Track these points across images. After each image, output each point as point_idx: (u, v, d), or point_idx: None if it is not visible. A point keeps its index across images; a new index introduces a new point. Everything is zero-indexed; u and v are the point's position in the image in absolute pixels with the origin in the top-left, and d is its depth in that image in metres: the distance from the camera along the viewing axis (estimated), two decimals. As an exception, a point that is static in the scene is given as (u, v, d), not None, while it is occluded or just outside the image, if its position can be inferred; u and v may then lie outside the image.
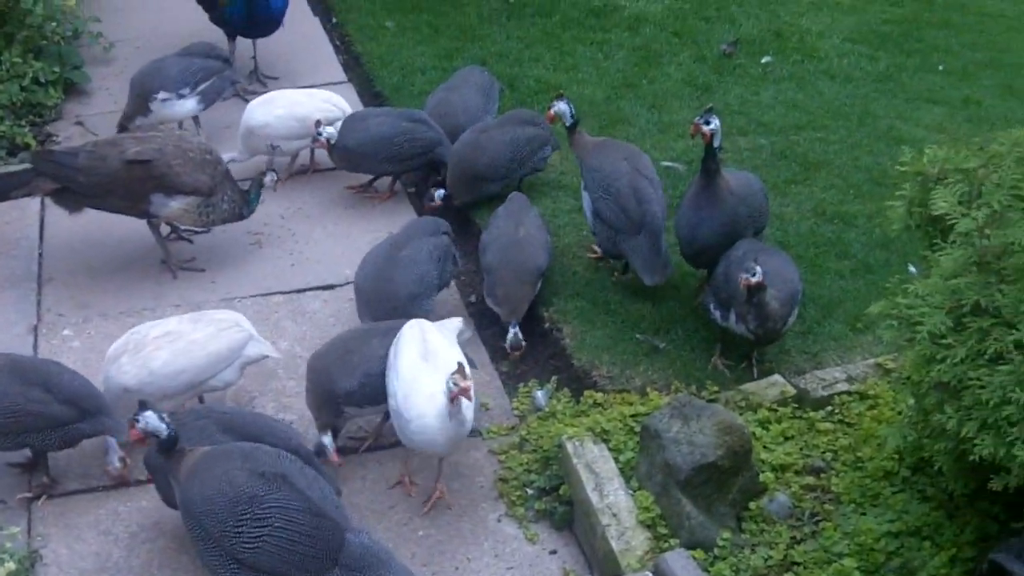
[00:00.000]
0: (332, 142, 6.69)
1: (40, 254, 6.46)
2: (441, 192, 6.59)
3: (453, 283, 6.20)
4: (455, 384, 4.49)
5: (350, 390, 4.91)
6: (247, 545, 4.06)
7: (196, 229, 6.47)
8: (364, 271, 5.65)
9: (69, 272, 6.33)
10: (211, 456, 4.24)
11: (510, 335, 5.62)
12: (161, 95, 7.03)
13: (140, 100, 7.07)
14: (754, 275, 5.03)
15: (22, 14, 7.49)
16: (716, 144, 5.57)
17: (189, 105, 7.12)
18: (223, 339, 5.11)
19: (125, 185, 5.97)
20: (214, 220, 6.20)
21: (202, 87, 7.13)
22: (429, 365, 4.68)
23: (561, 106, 6.06)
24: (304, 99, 7.08)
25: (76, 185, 6.00)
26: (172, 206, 6.05)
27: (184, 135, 6.38)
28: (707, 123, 5.51)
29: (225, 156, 6.59)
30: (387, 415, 5.06)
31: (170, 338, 5.04)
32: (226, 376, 5.16)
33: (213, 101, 7.27)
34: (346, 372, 4.92)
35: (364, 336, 5.10)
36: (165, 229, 6.46)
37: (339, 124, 6.77)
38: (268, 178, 6.36)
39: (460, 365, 4.54)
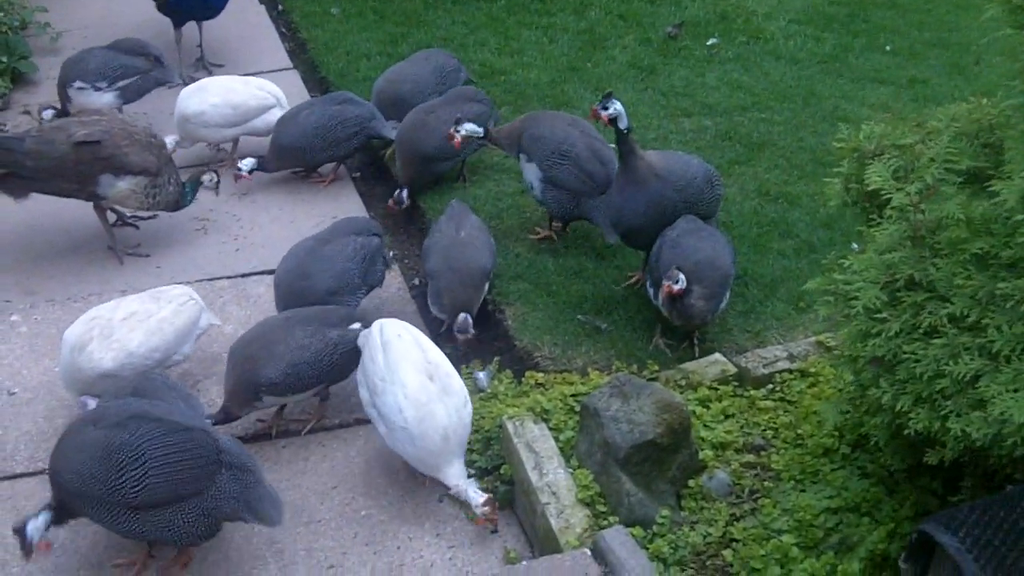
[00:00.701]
0: (252, 170, 6.77)
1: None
2: (250, 162, 6.67)
3: (396, 267, 6.18)
4: (483, 515, 4.55)
5: (274, 379, 4.89)
6: (136, 488, 4.10)
7: (141, 215, 6.43)
8: (285, 265, 5.58)
9: (15, 259, 6.29)
10: (66, 436, 4.32)
11: (460, 318, 5.51)
12: (77, 84, 7.07)
13: (60, 87, 7.14)
14: (676, 282, 5.12)
15: (-30, 6, 7.45)
16: (623, 126, 5.54)
17: (106, 98, 7.10)
18: (185, 313, 5.21)
19: (74, 167, 5.96)
20: (159, 202, 6.18)
21: (121, 83, 7.13)
22: (438, 386, 4.63)
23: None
24: (239, 86, 7.07)
25: (23, 170, 5.97)
26: (120, 186, 6.04)
27: (127, 119, 6.33)
28: (604, 108, 5.51)
29: (168, 139, 6.56)
30: (325, 397, 5.12)
31: (138, 318, 5.08)
32: (185, 349, 5.23)
33: (134, 98, 7.27)
34: (271, 361, 4.89)
35: (287, 324, 5.05)
36: (111, 217, 6.41)
37: (253, 160, 6.81)
38: (207, 177, 6.36)
39: (490, 499, 4.56)
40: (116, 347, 4.97)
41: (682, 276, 5.11)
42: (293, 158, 6.87)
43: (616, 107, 5.50)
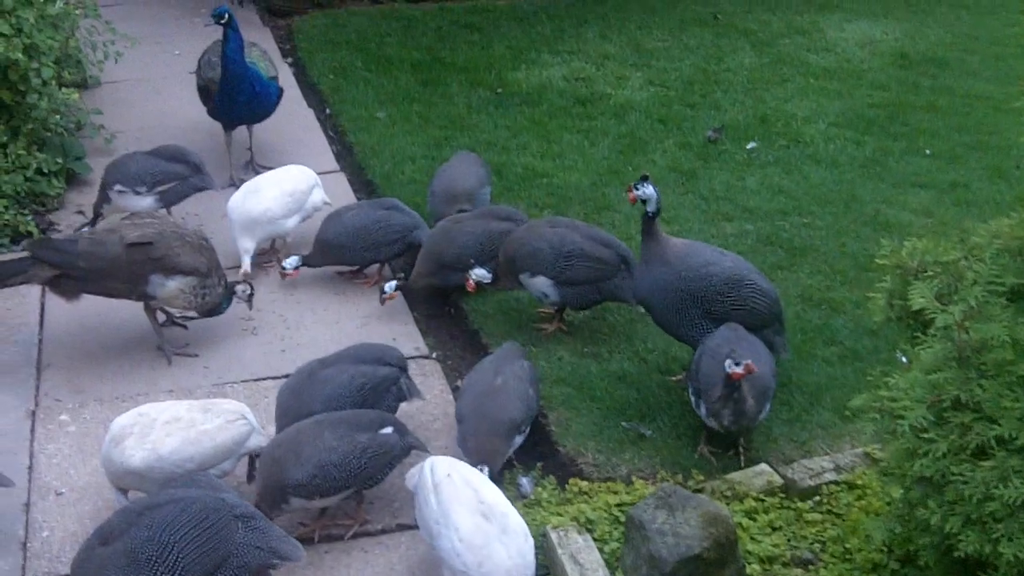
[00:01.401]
0: (298, 267, 6.94)
1: (40, 340, 6.48)
2: (392, 284, 6.68)
3: (439, 370, 6.23)
4: None
5: (301, 481, 4.91)
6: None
7: (189, 315, 6.52)
8: (287, 381, 5.59)
9: (67, 358, 6.35)
10: (79, 563, 4.34)
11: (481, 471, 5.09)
12: (118, 187, 7.21)
13: (102, 190, 7.31)
14: (739, 365, 5.08)
15: (28, 108, 7.62)
16: (650, 210, 5.70)
17: (145, 202, 7.23)
18: (231, 431, 5.18)
19: (126, 267, 6.08)
20: (208, 303, 6.28)
21: (160, 188, 7.25)
22: (495, 527, 4.53)
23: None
24: (283, 176, 7.27)
25: (76, 271, 6.10)
26: (170, 286, 6.14)
27: (175, 221, 6.47)
28: (636, 188, 5.69)
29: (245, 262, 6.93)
30: (360, 500, 5.17)
31: (180, 425, 5.09)
32: (226, 466, 5.21)
33: (174, 202, 7.40)
34: (298, 463, 4.92)
35: (317, 427, 5.08)
36: (161, 317, 6.51)
37: (297, 258, 6.99)
38: (241, 288, 6.48)
39: None
40: (148, 448, 5.00)
41: (743, 361, 5.09)
42: (334, 256, 6.98)
43: (647, 190, 5.68)
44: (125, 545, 4.22)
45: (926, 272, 4.07)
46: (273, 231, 7.11)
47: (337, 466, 4.94)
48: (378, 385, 5.50)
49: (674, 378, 6.00)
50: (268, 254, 7.29)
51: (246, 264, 6.96)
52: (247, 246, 7.01)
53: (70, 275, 6.13)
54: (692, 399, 5.46)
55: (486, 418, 5.34)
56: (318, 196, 7.25)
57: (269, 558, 4.43)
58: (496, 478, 5.04)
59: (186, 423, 5.11)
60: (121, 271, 6.09)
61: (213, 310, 6.38)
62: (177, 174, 7.33)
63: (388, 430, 5.14)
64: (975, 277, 3.83)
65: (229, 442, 5.16)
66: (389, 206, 7.04)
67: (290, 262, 6.93)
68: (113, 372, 6.27)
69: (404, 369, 5.70)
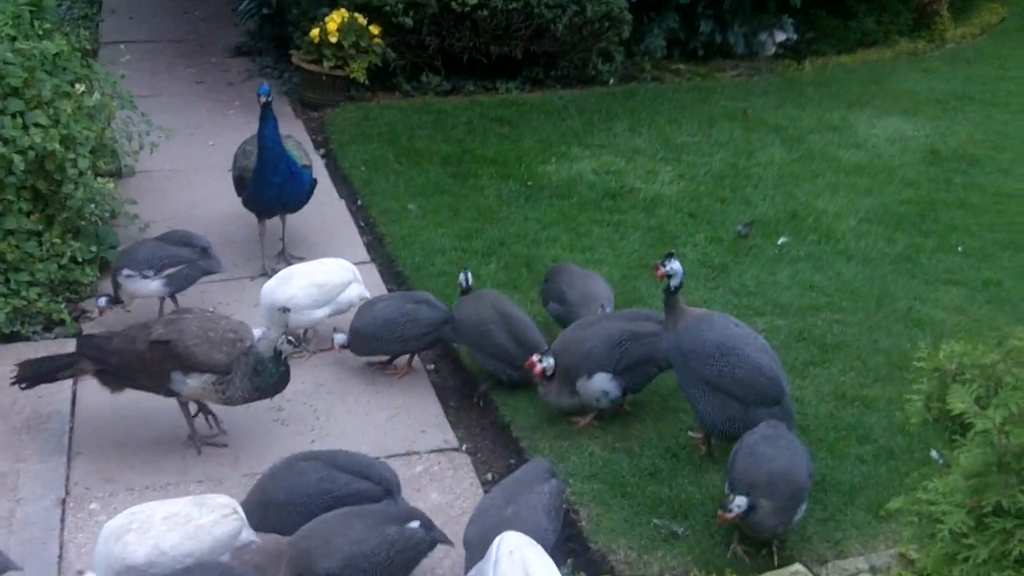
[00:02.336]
0: (344, 345, 7.02)
1: (71, 428, 6.49)
2: (342, 337, 6.95)
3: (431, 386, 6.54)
4: None
5: (331, 570, 4.89)
6: None
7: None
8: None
9: (97, 446, 6.35)
10: None
11: None
12: (125, 272, 7.35)
13: (112, 275, 7.47)
14: (730, 512, 5.18)
15: (64, 197, 7.71)
16: (673, 284, 5.86)
17: (153, 286, 7.37)
18: (227, 525, 5.18)
19: (148, 365, 6.16)
20: (231, 398, 6.26)
21: (167, 272, 7.37)
22: None
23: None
24: (317, 267, 7.33)
25: (110, 366, 6.23)
26: (190, 384, 6.16)
27: (213, 316, 6.49)
28: (664, 264, 5.86)
29: (256, 331, 6.71)
30: None
31: (178, 520, 5.10)
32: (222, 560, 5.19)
33: (183, 286, 7.51)
34: (329, 553, 4.91)
35: (346, 519, 5.08)
36: (193, 408, 6.52)
37: (349, 330, 7.06)
38: (280, 342, 6.28)
39: None
40: (150, 543, 5.00)
41: (740, 501, 5.16)
42: (364, 345, 7.02)
43: (674, 266, 5.86)
44: None
45: (964, 375, 4.05)
46: (300, 321, 7.13)
47: (367, 557, 4.94)
48: (346, 498, 5.37)
49: (694, 434, 6.07)
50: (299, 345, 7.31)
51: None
52: (270, 333, 7.02)
53: (107, 370, 6.25)
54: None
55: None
56: (355, 291, 7.27)
57: None
58: None
59: (183, 518, 5.12)
60: (145, 368, 6.17)
61: (256, 393, 6.30)
62: (183, 258, 7.44)
63: (415, 524, 5.13)
64: (1014, 381, 3.81)
65: (225, 536, 5.16)
66: (420, 300, 7.06)
67: (339, 338, 7.01)
68: (143, 461, 6.27)
69: (391, 492, 5.52)
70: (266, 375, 6.27)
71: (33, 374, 6.36)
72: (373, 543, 4.96)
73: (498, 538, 4.75)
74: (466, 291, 7.02)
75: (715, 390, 5.78)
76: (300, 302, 7.08)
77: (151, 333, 6.17)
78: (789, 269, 8.23)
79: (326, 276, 7.22)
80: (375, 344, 7.00)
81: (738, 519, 5.20)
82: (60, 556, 5.51)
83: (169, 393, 6.27)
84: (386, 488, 5.52)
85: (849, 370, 6.90)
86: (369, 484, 5.49)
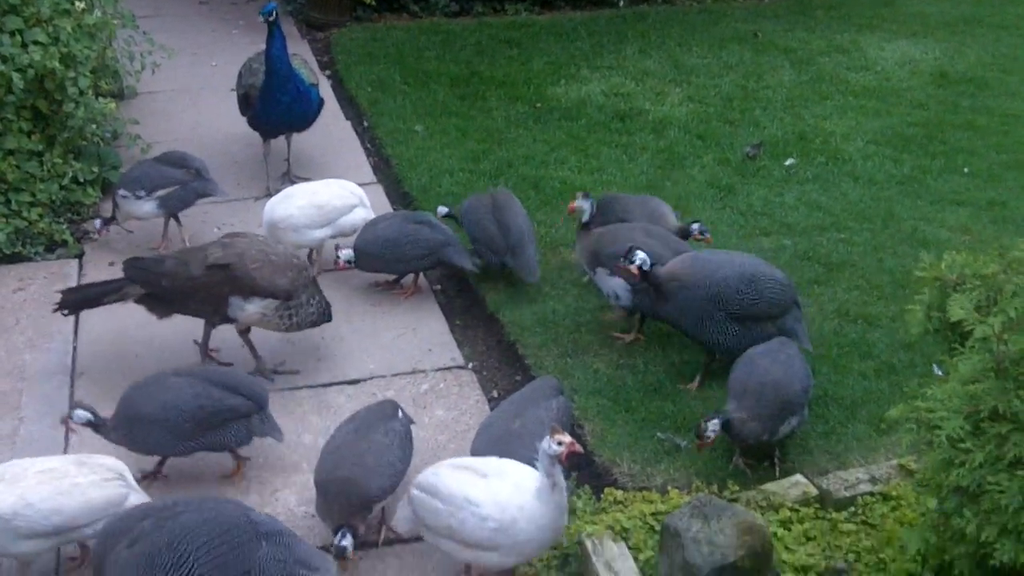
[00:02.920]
0: (350, 261, 7.01)
1: (74, 348, 6.53)
2: (348, 252, 7.00)
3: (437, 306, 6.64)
4: (558, 443, 4.40)
5: (384, 486, 4.98)
6: None
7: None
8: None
9: (102, 367, 6.39)
10: (102, 565, 4.36)
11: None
12: (121, 192, 7.37)
13: (111, 194, 7.51)
14: (708, 437, 5.30)
15: (64, 117, 7.70)
16: (646, 268, 5.89)
17: (147, 207, 7.36)
18: (105, 488, 4.89)
19: (206, 289, 6.08)
20: (298, 323, 6.26)
21: (159, 193, 7.34)
22: (498, 478, 4.60)
23: (585, 203, 6.52)
24: (320, 188, 7.30)
25: (160, 290, 6.13)
26: (248, 309, 6.13)
27: (268, 240, 6.48)
28: (631, 262, 5.88)
29: None
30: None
31: (54, 476, 4.84)
32: (87, 532, 4.91)
33: (178, 208, 7.48)
34: (372, 473, 4.96)
35: (360, 434, 5.14)
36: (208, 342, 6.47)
37: (352, 248, 7.07)
38: (343, 255, 6.71)
39: (553, 427, 4.49)
40: (17, 494, 4.74)
41: (714, 424, 5.28)
42: (368, 263, 7.03)
43: (640, 256, 5.86)
44: (145, 549, 4.26)
45: (965, 285, 4.06)
46: (297, 240, 7.08)
47: (400, 459, 5.09)
48: (219, 413, 5.38)
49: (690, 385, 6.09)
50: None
51: None
52: None
53: (156, 294, 6.16)
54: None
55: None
56: (360, 215, 7.23)
57: (296, 570, 4.41)
58: None
59: (59, 474, 4.85)
60: (201, 292, 6.09)
61: (325, 319, 6.37)
62: (176, 179, 7.41)
63: (400, 414, 5.33)
64: (1015, 289, 3.82)
65: (101, 500, 4.85)
66: (422, 220, 7.05)
67: (345, 253, 7.00)
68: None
69: (261, 407, 5.52)
70: (324, 304, 6.35)
71: (77, 300, 6.32)
72: (396, 442, 5.13)
73: (412, 489, 4.79)
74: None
75: (741, 321, 5.83)
76: (297, 221, 7.05)
77: (208, 257, 6.09)
78: (796, 190, 8.23)
79: (327, 198, 7.18)
80: (376, 263, 7.02)
81: (714, 443, 5.30)
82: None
83: (224, 319, 6.22)
84: (258, 403, 5.52)
85: (853, 288, 6.92)
86: (241, 399, 5.45)
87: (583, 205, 6.55)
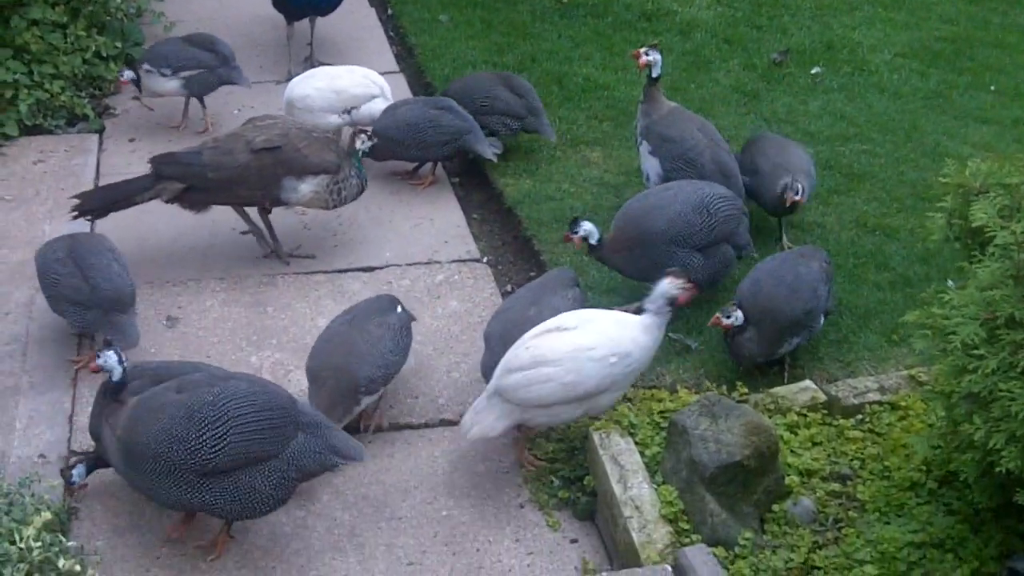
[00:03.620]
0: (366, 152, 6.68)
1: (92, 221, 6.39)
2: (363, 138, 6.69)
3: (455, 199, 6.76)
4: (680, 287, 4.74)
5: (373, 376, 4.99)
6: (216, 448, 4.26)
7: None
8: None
9: (120, 238, 6.15)
10: (146, 399, 4.42)
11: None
12: (145, 66, 7.31)
13: (136, 67, 7.38)
14: (728, 317, 5.30)
15: (89, -11, 7.66)
16: (593, 242, 5.74)
17: (170, 85, 7.32)
18: None
19: (257, 173, 6.04)
20: (345, 197, 6.25)
21: (184, 73, 7.29)
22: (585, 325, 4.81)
23: (656, 56, 6.40)
24: (343, 73, 7.26)
25: (204, 182, 6.05)
26: (303, 189, 6.11)
27: (298, 120, 6.45)
28: (575, 232, 5.72)
29: None
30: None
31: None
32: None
33: (202, 91, 7.43)
34: (363, 361, 4.98)
35: (354, 325, 5.16)
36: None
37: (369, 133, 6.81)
38: (359, 141, 6.28)
39: (672, 271, 4.81)
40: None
41: (739, 315, 5.28)
42: (387, 150, 6.91)
43: (584, 228, 5.68)
44: (190, 399, 4.31)
45: (988, 193, 4.04)
46: (312, 122, 6.93)
47: (392, 351, 5.08)
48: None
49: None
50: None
51: None
52: None
53: (198, 187, 6.08)
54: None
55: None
56: (379, 106, 7.14)
57: (331, 458, 4.48)
58: None
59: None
60: (251, 178, 6.04)
61: (361, 190, 6.33)
62: (202, 62, 7.37)
63: (399, 308, 5.33)
64: (1039, 198, 3.81)
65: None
66: (443, 106, 6.99)
67: (361, 140, 6.68)
68: (166, 257, 6.35)
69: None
70: (362, 174, 6.30)
71: (103, 203, 6.15)
72: (391, 335, 5.16)
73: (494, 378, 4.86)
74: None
75: (702, 249, 5.76)
76: (313, 103, 7.02)
77: (251, 142, 6.03)
78: (821, 99, 8.14)
79: (347, 84, 7.13)
80: (396, 148, 6.93)
81: (729, 328, 5.30)
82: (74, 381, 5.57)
83: (275, 202, 6.19)
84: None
85: (873, 200, 6.87)
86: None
87: (654, 58, 6.39)
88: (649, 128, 6.37)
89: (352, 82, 7.16)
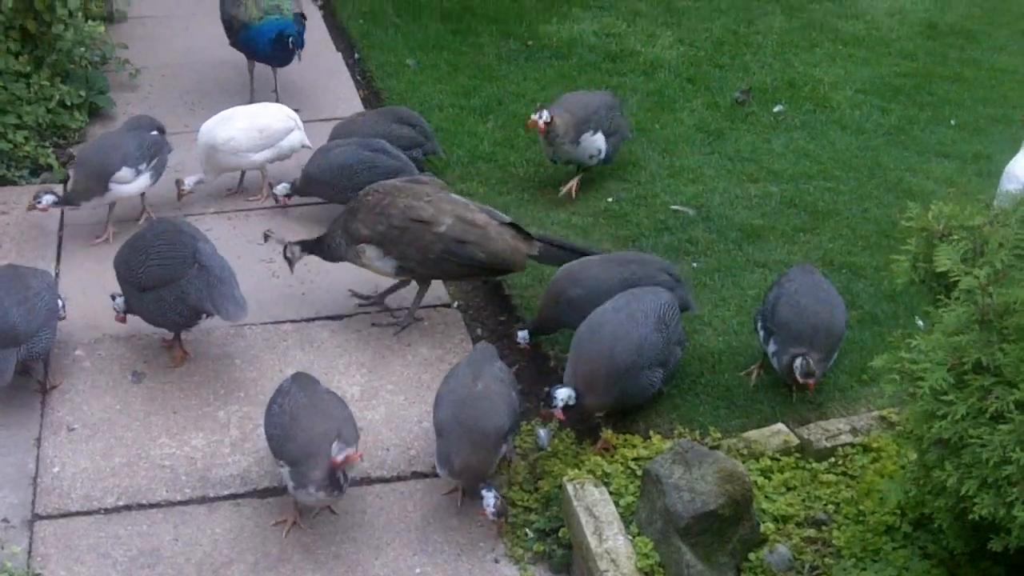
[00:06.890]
0: (288, 194, 7.03)
1: (56, 275, 6.48)
2: (284, 187, 7.06)
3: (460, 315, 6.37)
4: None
5: (512, 425, 5.01)
6: (141, 270, 5.62)
7: None
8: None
9: (83, 293, 6.34)
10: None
11: (489, 501, 4.85)
12: (124, 171, 6.73)
13: (98, 179, 6.70)
14: (809, 376, 5.37)
15: (53, 39, 7.64)
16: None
17: (142, 181, 6.86)
18: None
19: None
20: None
21: (154, 162, 6.89)
22: None
23: (545, 113, 7.03)
24: (259, 111, 7.28)
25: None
26: None
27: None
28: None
29: (190, 179, 7.00)
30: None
31: None
32: None
33: (160, 175, 7.01)
34: (493, 412, 4.94)
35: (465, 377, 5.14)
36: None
37: (299, 176, 7.08)
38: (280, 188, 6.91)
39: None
40: None
41: (799, 363, 5.34)
42: (319, 190, 6.97)
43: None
44: (133, 237, 5.88)
45: (951, 236, 4.07)
46: (238, 163, 7.08)
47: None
48: None
49: (745, 373, 5.78)
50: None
51: (188, 182, 7.08)
52: (207, 177, 7.14)
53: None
54: (761, 333, 5.58)
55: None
56: (296, 138, 7.22)
57: (205, 303, 5.54)
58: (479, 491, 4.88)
59: None
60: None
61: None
62: (160, 143, 7.05)
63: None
64: (1001, 241, 3.83)
65: None
66: (378, 148, 6.93)
67: (281, 188, 7.00)
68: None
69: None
70: None
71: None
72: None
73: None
74: None
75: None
76: (239, 144, 7.03)
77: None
78: (784, 137, 8.20)
79: (268, 120, 7.16)
80: (328, 191, 6.92)
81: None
82: (43, 402, 5.61)
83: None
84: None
85: (838, 237, 6.91)
86: None
87: (545, 116, 7.01)
88: (570, 129, 7.09)
89: (272, 117, 7.19)
